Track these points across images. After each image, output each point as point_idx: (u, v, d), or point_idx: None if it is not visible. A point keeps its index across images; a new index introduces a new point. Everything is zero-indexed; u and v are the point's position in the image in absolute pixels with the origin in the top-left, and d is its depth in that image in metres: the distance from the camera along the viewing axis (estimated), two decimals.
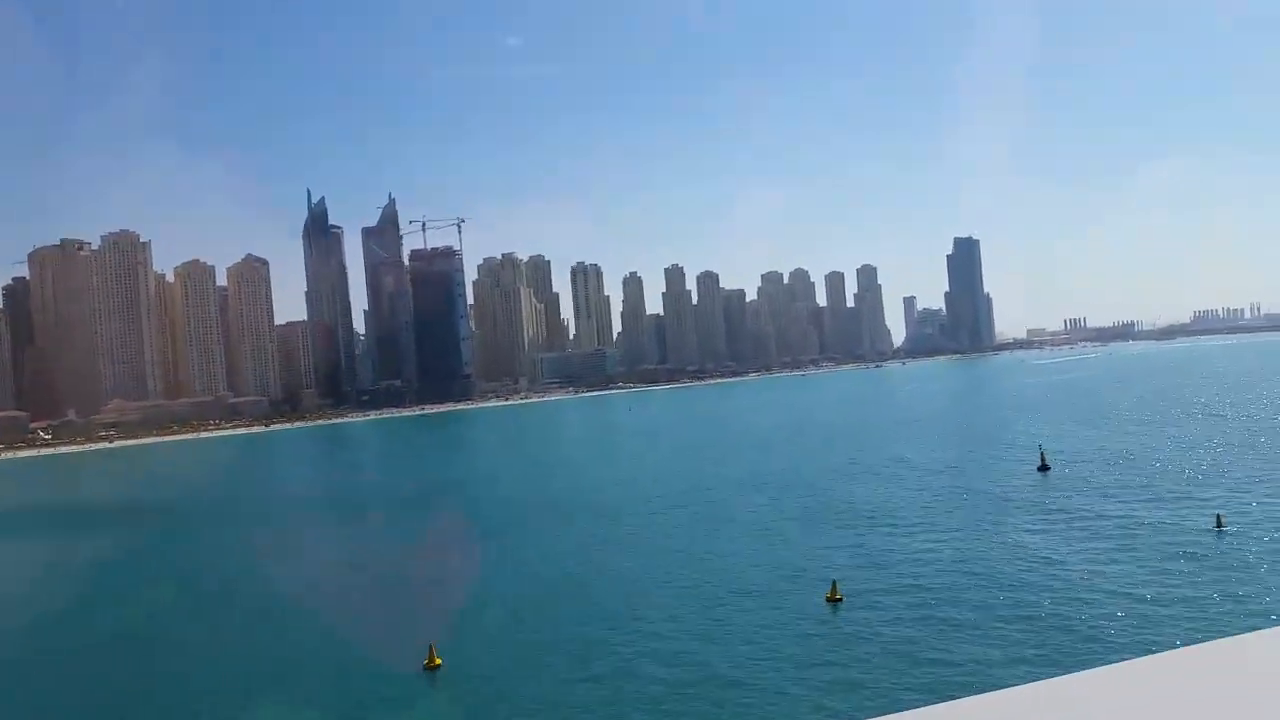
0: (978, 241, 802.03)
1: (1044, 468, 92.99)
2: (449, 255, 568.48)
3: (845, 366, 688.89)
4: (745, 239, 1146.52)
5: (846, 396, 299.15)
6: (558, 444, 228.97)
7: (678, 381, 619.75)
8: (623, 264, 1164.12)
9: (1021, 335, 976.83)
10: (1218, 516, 60.52)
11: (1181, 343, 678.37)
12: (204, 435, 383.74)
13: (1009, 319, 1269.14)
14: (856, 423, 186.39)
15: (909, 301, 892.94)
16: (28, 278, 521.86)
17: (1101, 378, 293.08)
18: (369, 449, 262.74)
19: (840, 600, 50.98)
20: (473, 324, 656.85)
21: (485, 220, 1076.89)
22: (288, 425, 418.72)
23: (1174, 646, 13.59)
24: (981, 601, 50.55)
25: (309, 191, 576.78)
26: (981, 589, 52.63)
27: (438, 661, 45.21)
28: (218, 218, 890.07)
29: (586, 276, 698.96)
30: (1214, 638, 11.05)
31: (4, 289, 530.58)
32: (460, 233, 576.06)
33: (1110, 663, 6.68)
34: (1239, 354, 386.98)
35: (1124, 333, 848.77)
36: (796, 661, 44.69)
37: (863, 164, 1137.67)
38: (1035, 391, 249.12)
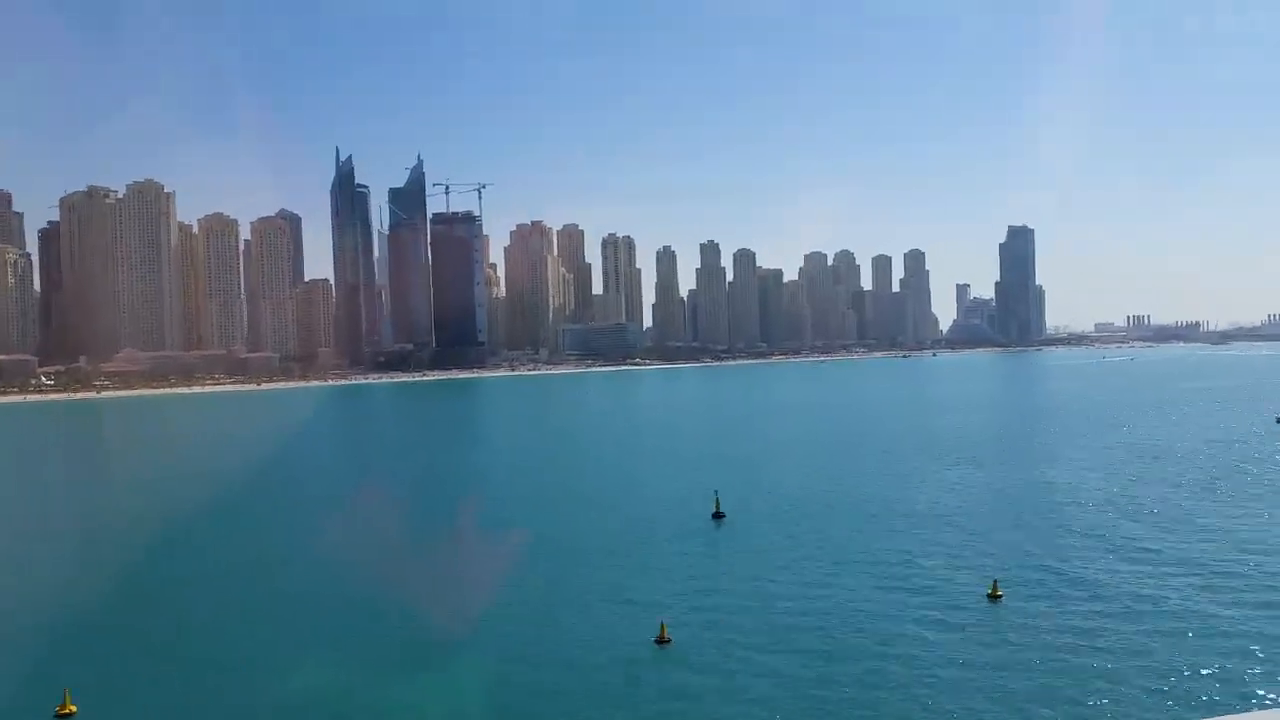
0: (1032, 231, 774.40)
1: (718, 515, 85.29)
2: (469, 220, 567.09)
3: (876, 354, 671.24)
4: (793, 220, 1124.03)
5: (777, 398, 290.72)
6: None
7: (698, 360, 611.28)
8: (662, 240, 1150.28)
9: (1089, 328, 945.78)
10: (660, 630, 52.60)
11: (1231, 348, 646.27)
12: (196, 390, 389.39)
13: (1074, 312, 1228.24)
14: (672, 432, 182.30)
15: (962, 289, 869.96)
16: (60, 223, 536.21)
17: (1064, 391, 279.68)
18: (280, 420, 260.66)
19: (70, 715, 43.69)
20: (501, 290, 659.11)
21: (524, 187, 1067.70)
22: (284, 384, 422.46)
23: None
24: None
25: (338, 150, 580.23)
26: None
27: None
28: (255, 172, 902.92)
29: (617, 248, 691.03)
30: None
31: (40, 233, 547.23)
32: (480, 198, 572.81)
33: None
34: (1250, 368, 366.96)
35: (1183, 334, 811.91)
36: None
37: (924, 145, 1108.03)
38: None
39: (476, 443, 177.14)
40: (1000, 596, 58.85)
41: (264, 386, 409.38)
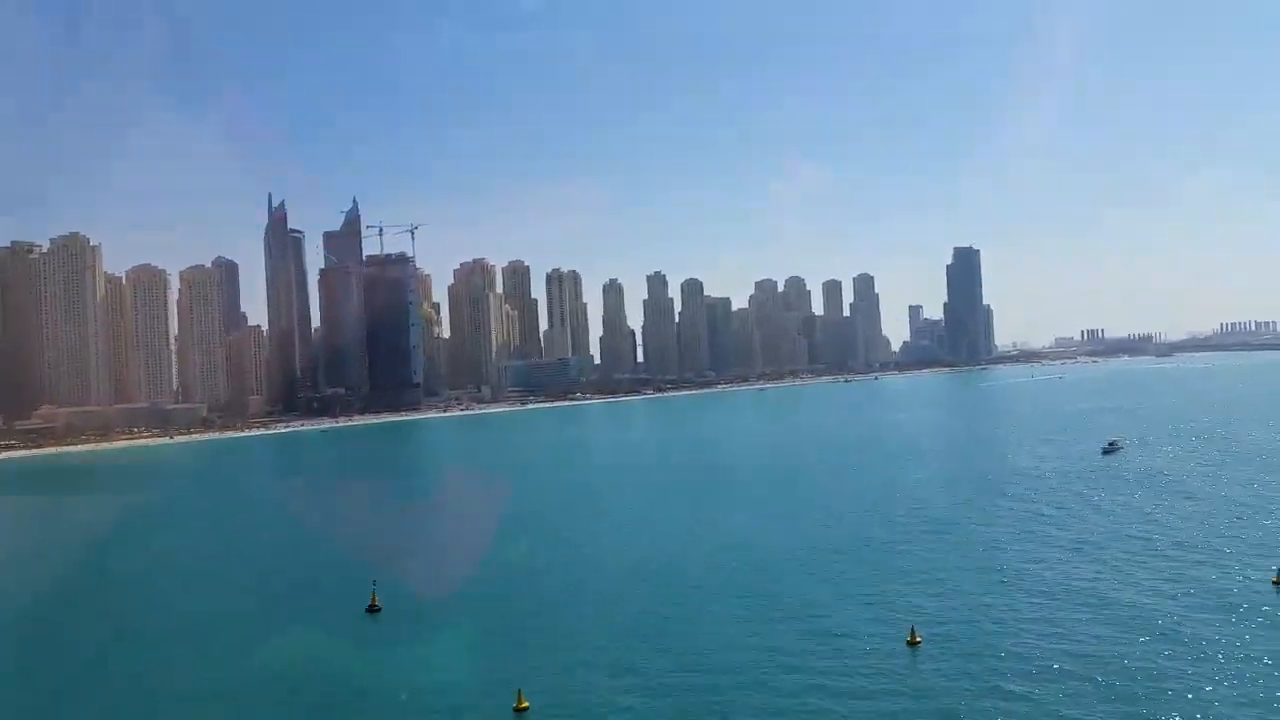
0: (978, 251, 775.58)
1: (373, 609, 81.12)
2: (402, 262, 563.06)
3: (823, 379, 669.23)
4: (745, 248, 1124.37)
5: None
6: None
7: (640, 392, 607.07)
8: (610, 273, 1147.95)
9: (1049, 343, 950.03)
10: None
11: (1173, 360, 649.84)
12: (101, 446, 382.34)
13: (1034, 328, 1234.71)
14: None
15: (914, 310, 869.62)
16: None
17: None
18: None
19: None
20: (445, 330, 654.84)
21: (471, 224, 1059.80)
22: (200, 436, 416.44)
23: None
24: None
25: (270, 196, 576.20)
26: None
27: None
28: (191, 218, 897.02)
29: (562, 283, 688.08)
30: None
31: None
32: (413, 239, 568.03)
33: None
34: (1164, 383, 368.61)
35: (1134, 347, 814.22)
36: None
37: (879, 168, 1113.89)
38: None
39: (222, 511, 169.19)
40: (526, 708, 56.27)
41: (177, 439, 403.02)
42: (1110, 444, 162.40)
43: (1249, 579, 75.06)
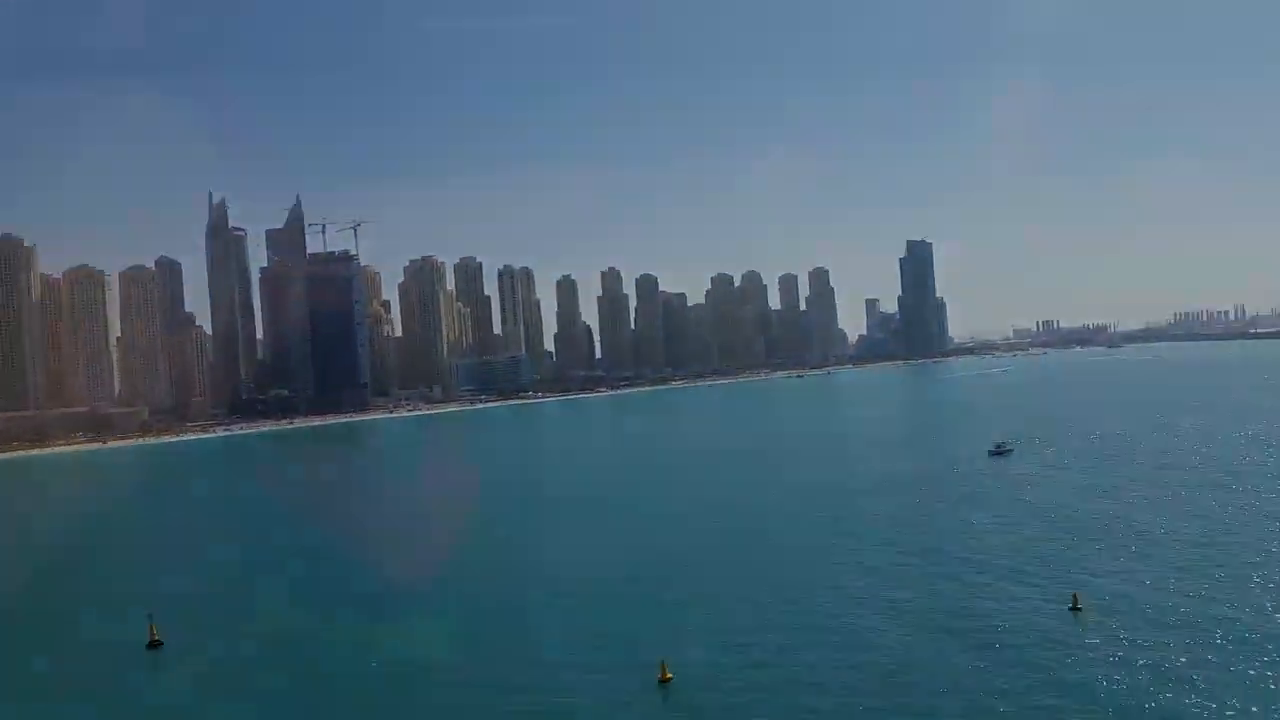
0: (930, 244, 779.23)
1: (154, 644, 78.45)
2: (346, 260, 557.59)
3: (778, 374, 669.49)
4: (700, 243, 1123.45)
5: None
6: None
7: (594, 390, 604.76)
8: (564, 269, 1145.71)
9: (1009, 334, 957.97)
10: None
11: (1123, 351, 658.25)
12: (35, 452, 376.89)
13: (994, 319, 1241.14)
14: None
15: (871, 304, 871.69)
16: None
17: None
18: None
19: None
20: (397, 329, 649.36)
21: (422, 220, 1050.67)
22: (136, 441, 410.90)
23: None
24: None
25: (210, 194, 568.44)
26: None
27: None
28: (132, 218, 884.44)
29: (514, 280, 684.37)
30: None
31: None
32: (356, 236, 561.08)
33: None
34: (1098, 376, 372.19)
35: (1088, 337, 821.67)
36: None
37: (837, 160, 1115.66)
38: None
39: None
40: None
41: (110, 444, 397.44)
42: (998, 446, 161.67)
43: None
